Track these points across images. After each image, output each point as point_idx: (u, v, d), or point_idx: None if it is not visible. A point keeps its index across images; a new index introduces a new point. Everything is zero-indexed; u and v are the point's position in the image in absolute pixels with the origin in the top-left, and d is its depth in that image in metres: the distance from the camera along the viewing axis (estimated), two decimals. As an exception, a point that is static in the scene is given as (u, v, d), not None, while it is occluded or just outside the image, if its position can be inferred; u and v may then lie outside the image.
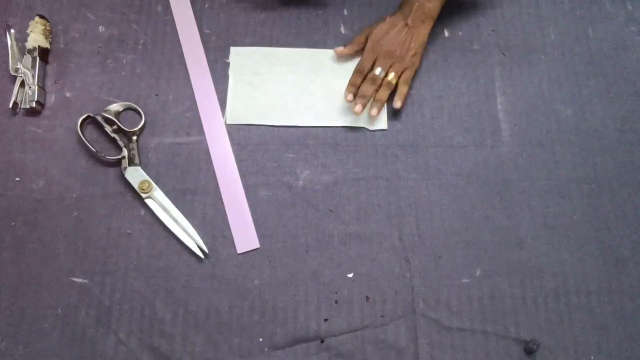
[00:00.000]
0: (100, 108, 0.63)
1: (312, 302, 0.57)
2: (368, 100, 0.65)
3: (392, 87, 0.65)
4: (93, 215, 0.60)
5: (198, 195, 0.61)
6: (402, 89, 0.65)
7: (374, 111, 0.64)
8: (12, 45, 0.64)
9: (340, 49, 0.67)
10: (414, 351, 0.56)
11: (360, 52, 0.67)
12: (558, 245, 0.60)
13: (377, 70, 0.64)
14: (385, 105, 0.66)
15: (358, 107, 0.64)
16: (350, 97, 0.65)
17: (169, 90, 0.66)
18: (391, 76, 0.64)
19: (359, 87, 0.65)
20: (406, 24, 0.65)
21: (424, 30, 0.65)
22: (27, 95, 0.63)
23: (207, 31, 0.69)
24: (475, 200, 0.62)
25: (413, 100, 0.66)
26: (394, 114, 0.66)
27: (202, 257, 0.58)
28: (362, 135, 0.65)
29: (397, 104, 0.65)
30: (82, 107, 0.64)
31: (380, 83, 0.65)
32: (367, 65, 0.65)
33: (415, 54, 0.65)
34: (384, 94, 0.65)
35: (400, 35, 0.65)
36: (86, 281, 0.57)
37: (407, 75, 0.65)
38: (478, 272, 0.59)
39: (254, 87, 0.66)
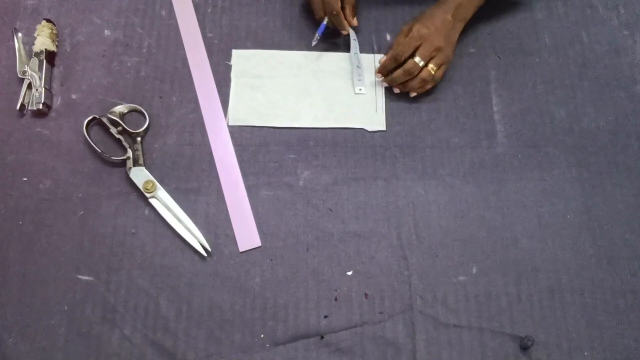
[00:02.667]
0: (105, 110, 0.63)
1: (312, 299, 0.57)
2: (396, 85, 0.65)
3: (430, 81, 0.63)
4: (98, 214, 0.60)
5: (201, 195, 0.61)
6: (429, 85, 0.65)
7: (397, 90, 0.66)
8: (19, 49, 0.65)
9: (384, 58, 0.66)
10: (412, 347, 0.56)
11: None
12: (552, 244, 0.60)
13: (417, 59, 0.62)
14: (384, 106, 0.66)
15: (384, 84, 0.66)
16: (379, 76, 0.67)
17: (173, 93, 0.66)
18: (431, 66, 0.63)
19: (391, 71, 0.65)
20: (449, 18, 0.63)
21: (459, 30, 0.65)
22: (34, 97, 0.63)
23: (209, 35, 0.69)
24: (471, 200, 0.62)
25: (411, 103, 0.67)
26: (392, 116, 0.66)
27: (205, 255, 0.58)
28: (361, 137, 0.65)
29: (413, 94, 0.65)
30: (87, 108, 0.64)
31: (415, 74, 0.63)
32: (407, 53, 0.63)
33: (453, 50, 0.65)
34: (417, 85, 0.64)
35: (444, 27, 0.63)
36: (92, 279, 0.57)
37: (440, 72, 0.64)
38: (474, 270, 0.59)
39: (256, 89, 0.66)
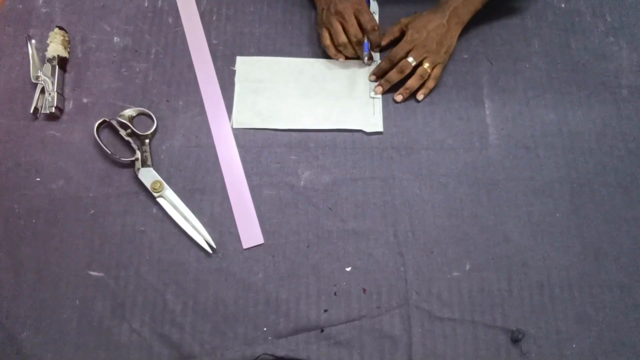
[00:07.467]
0: (115, 113, 0.63)
1: (312, 294, 0.57)
2: (390, 86, 0.65)
3: (426, 78, 0.64)
4: (108, 213, 0.60)
5: (206, 194, 0.61)
6: (431, 84, 0.65)
7: (400, 97, 0.65)
8: (33, 55, 0.64)
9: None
10: (408, 340, 0.55)
11: (394, 43, 0.67)
12: (542, 241, 0.60)
13: (410, 59, 0.63)
14: (382, 108, 0.66)
15: (379, 89, 0.65)
16: (373, 77, 0.66)
17: (179, 97, 0.66)
18: (427, 65, 0.63)
19: (386, 72, 0.65)
20: (443, 23, 0.64)
21: (456, 33, 0.66)
22: (47, 102, 0.63)
23: (214, 41, 0.69)
24: (464, 199, 0.62)
25: (407, 106, 0.66)
26: (389, 119, 0.66)
27: (210, 252, 0.58)
28: (360, 138, 0.65)
29: (420, 96, 0.65)
30: (98, 112, 0.64)
31: (407, 72, 0.64)
32: (401, 54, 0.64)
33: (447, 52, 0.65)
34: (416, 82, 0.64)
35: (438, 30, 0.64)
36: (102, 275, 0.57)
37: (437, 71, 0.65)
38: (467, 266, 0.59)
39: (259, 93, 0.66)
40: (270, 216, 0.60)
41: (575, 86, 0.68)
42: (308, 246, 0.59)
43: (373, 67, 0.68)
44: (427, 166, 0.63)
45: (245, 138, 0.64)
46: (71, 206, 0.60)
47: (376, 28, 0.64)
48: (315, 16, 0.69)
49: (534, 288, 0.58)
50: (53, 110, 0.62)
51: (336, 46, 0.65)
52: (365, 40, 0.65)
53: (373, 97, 0.66)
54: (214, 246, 0.58)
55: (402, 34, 0.67)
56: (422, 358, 0.55)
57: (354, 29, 0.63)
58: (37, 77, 0.63)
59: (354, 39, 0.63)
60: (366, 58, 0.66)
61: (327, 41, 0.65)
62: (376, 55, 0.69)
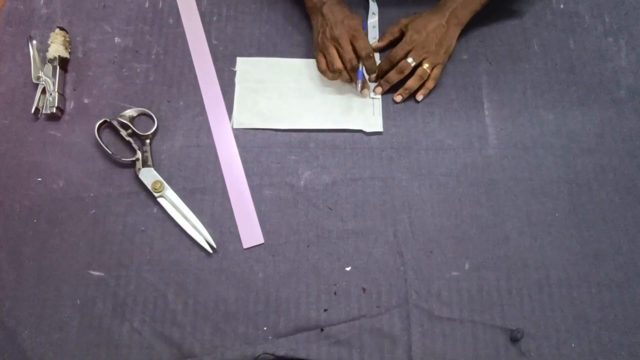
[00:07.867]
0: (116, 113, 0.63)
1: (312, 293, 0.57)
2: (390, 87, 0.65)
3: (425, 78, 0.64)
4: (109, 213, 0.60)
5: (207, 194, 0.61)
6: (430, 84, 0.65)
7: (399, 98, 0.65)
8: (34, 55, 0.65)
9: (376, 43, 0.68)
10: (407, 339, 0.55)
11: (394, 43, 0.67)
12: (541, 241, 0.60)
13: (409, 60, 0.63)
14: (381, 109, 0.66)
15: (379, 89, 0.65)
16: (373, 77, 0.66)
17: (180, 97, 0.66)
18: (426, 66, 0.63)
19: (386, 72, 0.65)
20: (443, 24, 0.64)
21: (455, 33, 0.66)
22: (48, 102, 0.63)
23: (215, 42, 0.69)
24: (464, 199, 0.62)
25: (407, 106, 0.66)
26: (388, 119, 0.66)
27: (210, 251, 0.58)
28: (359, 138, 0.65)
29: (420, 97, 0.65)
30: (99, 112, 0.64)
31: (407, 73, 0.64)
32: (401, 55, 0.64)
33: (446, 52, 0.65)
34: (415, 83, 0.64)
35: (438, 31, 0.64)
36: (103, 274, 0.57)
37: (437, 71, 0.65)
38: (467, 266, 0.59)
39: (259, 94, 0.66)
40: (270, 216, 0.60)
41: (574, 87, 0.68)
42: (308, 246, 0.59)
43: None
44: (427, 166, 0.63)
45: (246, 138, 0.64)
46: (72, 206, 0.60)
47: (371, 55, 0.63)
48: (311, 37, 0.69)
49: (533, 287, 0.58)
50: (54, 110, 0.62)
51: (332, 72, 0.64)
52: (360, 68, 0.64)
53: (373, 98, 0.66)
54: (215, 246, 0.58)
55: (402, 34, 0.67)
56: (421, 357, 0.55)
57: (349, 55, 0.62)
58: (38, 78, 0.63)
59: (348, 65, 0.62)
60: (360, 85, 0.64)
61: (323, 66, 0.64)
62: (376, 56, 0.69)
